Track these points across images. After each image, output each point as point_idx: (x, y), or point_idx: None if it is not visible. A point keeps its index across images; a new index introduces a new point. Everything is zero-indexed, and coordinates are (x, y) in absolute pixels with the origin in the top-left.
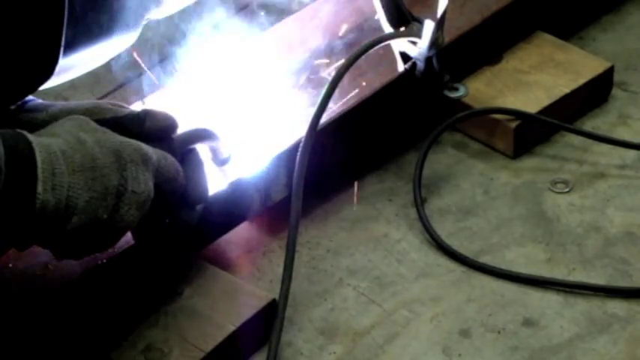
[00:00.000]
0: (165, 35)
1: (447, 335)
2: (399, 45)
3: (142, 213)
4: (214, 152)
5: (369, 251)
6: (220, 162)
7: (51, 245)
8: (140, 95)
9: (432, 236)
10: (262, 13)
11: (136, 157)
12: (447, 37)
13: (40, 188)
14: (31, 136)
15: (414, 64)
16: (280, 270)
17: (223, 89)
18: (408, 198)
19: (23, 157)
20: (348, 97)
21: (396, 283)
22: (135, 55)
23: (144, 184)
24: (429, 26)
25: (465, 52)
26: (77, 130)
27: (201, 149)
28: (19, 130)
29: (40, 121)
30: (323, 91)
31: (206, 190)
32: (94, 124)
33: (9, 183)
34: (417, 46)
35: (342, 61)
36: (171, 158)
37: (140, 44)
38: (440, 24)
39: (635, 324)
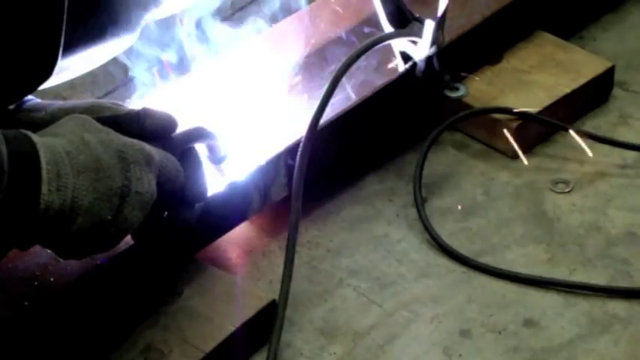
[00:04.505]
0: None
1: (447, 336)
2: (400, 45)
3: (144, 213)
4: (211, 150)
5: (369, 251)
6: (217, 160)
7: (54, 245)
8: (139, 95)
9: (432, 236)
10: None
11: (139, 158)
12: (448, 37)
13: (44, 189)
14: (35, 137)
15: (415, 64)
16: (280, 270)
17: (223, 89)
18: (409, 198)
19: (27, 158)
20: (348, 97)
21: (397, 283)
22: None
23: (147, 184)
24: (429, 26)
25: (465, 51)
26: (81, 130)
27: (199, 148)
28: (22, 131)
29: (40, 121)
30: (323, 91)
31: (205, 189)
32: (97, 124)
33: (13, 184)
34: (417, 46)
35: (342, 61)
36: (172, 158)
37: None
38: (440, 23)
39: (636, 324)
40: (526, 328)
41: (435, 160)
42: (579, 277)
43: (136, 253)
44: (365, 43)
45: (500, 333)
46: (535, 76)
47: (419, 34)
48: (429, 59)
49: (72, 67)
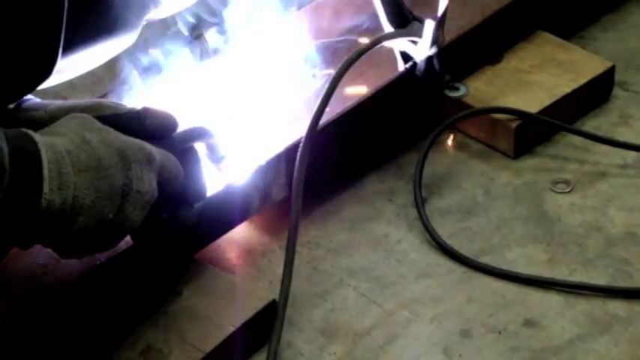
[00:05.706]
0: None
1: (447, 336)
2: (400, 45)
3: (145, 213)
4: (211, 150)
5: (369, 251)
6: (217, 159)
7: (55, 244)
8: (139, 94)
9: (432, 236)
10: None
11: (140, 157)
12: (448, 37)
13: (46, 188)
14: (36, 136)
15: (415, 64)
16: (280, 270)
17: (223, 88)
18: (409, 198)
19: (29, 157)
20: (349, 97)
21: (397, 283)
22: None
23: (148, 183)
24: (429, 26)
25: (465, 51)
26: (82, 129)
27: (198, 147)
28: (24, 130)
29: (39, 120)
30: (323, 91)
31: (204, 189)
32: (97, 123)
33: (14, 182)
34: (417, 46)
35: (342, 62)
36: (173, 157)
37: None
38: (440, 23)
39: (637, 324)
40: (526, 328)
41: (435, 160)
42: (579, 277)
43: (136, 253)
44: (365, 44)
45: (500, 333)
46: (535, 76)
47: (419, 34)
48: (429, 59)
49: (72, 66)
